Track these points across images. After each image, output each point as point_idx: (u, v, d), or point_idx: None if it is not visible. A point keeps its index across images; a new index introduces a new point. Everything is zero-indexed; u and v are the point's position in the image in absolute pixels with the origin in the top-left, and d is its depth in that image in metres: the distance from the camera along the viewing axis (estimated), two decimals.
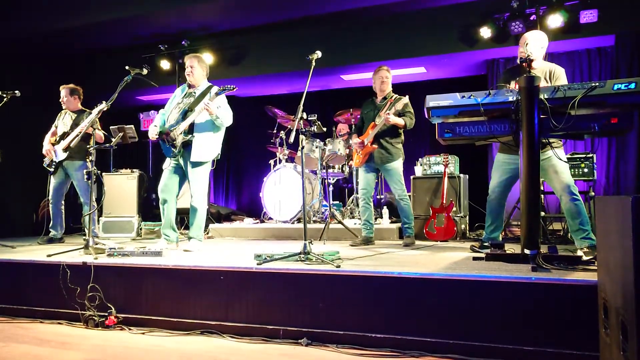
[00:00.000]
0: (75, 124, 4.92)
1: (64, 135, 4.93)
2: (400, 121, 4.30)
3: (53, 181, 5.05)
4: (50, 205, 5.08)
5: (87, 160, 4.03)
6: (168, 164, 4.11)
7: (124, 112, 8.40)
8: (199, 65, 4.14)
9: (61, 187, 5.08)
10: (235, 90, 3.91)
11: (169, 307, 3.12)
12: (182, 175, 4.12)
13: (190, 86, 4.17)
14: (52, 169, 4.98)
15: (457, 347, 2.47)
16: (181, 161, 4.06)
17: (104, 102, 4.02)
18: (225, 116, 4.00)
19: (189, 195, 4.17)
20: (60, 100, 5.12)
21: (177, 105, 4.09)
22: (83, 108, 5.15)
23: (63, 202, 5.15)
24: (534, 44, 3.45)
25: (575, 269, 2.66)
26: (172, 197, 4.11)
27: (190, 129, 3.95)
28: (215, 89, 4.03)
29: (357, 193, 6.15)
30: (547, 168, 3.40)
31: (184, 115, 3.95)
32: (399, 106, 4.26)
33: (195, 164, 4.01)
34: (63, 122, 5.09)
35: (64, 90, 5.12)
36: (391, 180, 4.43)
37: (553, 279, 2.41)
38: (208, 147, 4.02)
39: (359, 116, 4.95)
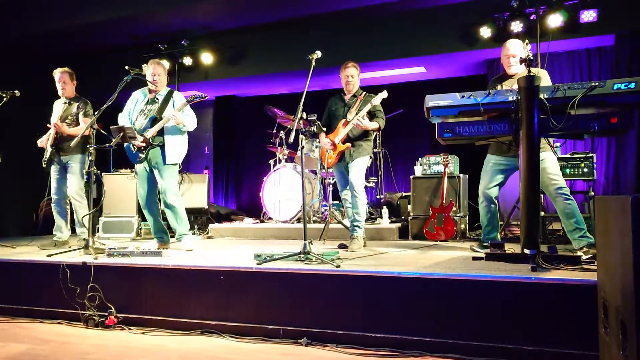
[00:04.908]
0: (69, 113, 4.62)
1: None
2: (373, 125, 4.04)
3: (53, 178, 4.70)
4: (53, 205, 4.69)
5: (87, 156, 4.02)
6: (138, 172, 4.23)
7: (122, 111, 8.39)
8: (164, 72, 4.27)
9: (62, 184, 4.67)
10: (206, 98, 4.04)
11: (169, 307, 3.12)
12: (154, 178, 4.21)
13: (150, 91, 4.26)
14: (45, 160, 4.60)
15: (457, 346, 2.47)
16: (146, 165, 4.14)
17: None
18: (191, 122, 4.16)
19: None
20: (59, 85, 4.65)
21: (142, 111, 4.19)
22: (77, 95, 4.79)
23: (68, 201, 4.72)
24: (523, 49, 3.50)
25: (575, 269, 2.66)
26: (152, 200, 4.25)
27: (159, 135, 4.08)
28: (178, 95, 4.22)
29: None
30: (540, 170, 3.40)
31: (152, 121, 4.06)
32: (375, 101, 3.97)
33: (168, 166, 4.12)
34: (57, 111, 4.74)
35: (64, 75, 4.66)
36: (352, 174, 4.06)
37: (553, 279, 2.41)
38: (179, 149, 4.19)
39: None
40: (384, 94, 4.06)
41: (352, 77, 4.16)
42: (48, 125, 4.69)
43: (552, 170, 3.42)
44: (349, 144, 4.08)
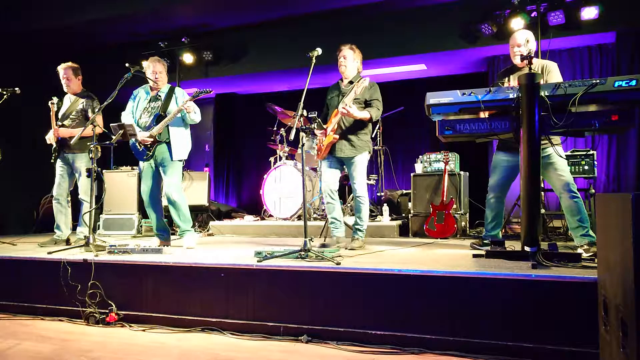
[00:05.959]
0: (73, 109, 4.57)
1: (62, 119, 4.57)
2: (363, 114, 3.76)
3: (57, 174, 4.64)
4: (53, 202, 4.64)
5: (89, 153, 3.98)
6: (142, 168, 4.22)
7: (124, 109, 8.38)
8: (164, 69, 4.26)
9: (64, 182, 4.62)
10: (211, 92, 4.04)
11: (170, 304, 3.12)
12: (158, 175, 4.20)
13: (152, 88, 4.25)
14: (52, 157, 4.58)
15: (457, 344, 2.47)
16: (152, 161, 4.13)
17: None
18: (197, 115, 4.15)
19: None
20: (63, 81, 4.59)
21: (145, 109, 4.18)
22: (84, 89, 4.72)
23: (69, 199, 4.69)
24: (532, 41, 3.46)
25: (575, 266, 2.66)
26: (156, 197, 4.24)
27: (165, 132, 4.08)
28: (180, 90, 4.22)
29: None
30: (547, 166, 3.40)
31: (157, 119, 4.05)
32: (358, 90, 3.71)
33: (175, 162, 4.12)
34: (63, 107, 4.67)
35: (67, 70, 4.58)
36: (354, 177, 3.89)
37: (553, 276, 2.42)
38: (185, 145, 4.20)
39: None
40: (365, 82, 3.76)
41: (345, 58, 3.97)
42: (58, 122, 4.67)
43: (559, 166, 3.41)
44: (336, 136, 3.84)
